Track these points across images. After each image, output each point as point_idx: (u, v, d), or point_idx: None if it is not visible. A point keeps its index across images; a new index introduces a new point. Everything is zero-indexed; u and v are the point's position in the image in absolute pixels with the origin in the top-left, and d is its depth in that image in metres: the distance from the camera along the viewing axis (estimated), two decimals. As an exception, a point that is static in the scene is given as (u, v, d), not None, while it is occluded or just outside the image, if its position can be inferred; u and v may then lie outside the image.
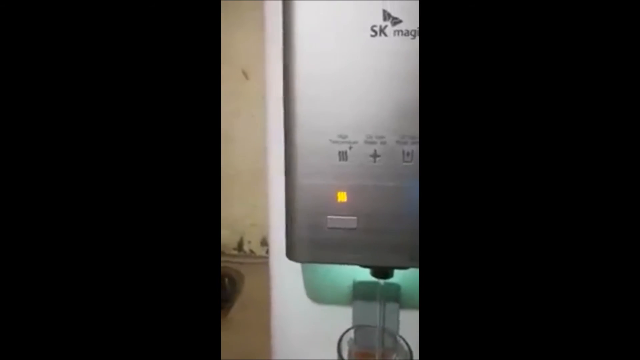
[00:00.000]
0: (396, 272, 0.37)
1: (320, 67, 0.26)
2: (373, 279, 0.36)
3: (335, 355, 0.35)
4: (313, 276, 0.38)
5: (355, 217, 0.28)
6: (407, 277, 0.38)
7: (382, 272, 0.32)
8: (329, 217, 0.28)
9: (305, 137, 0.27)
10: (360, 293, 0.37)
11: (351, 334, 0.37)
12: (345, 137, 0.27)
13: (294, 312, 0.39)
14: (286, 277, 0.38)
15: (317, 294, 0.39)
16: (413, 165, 0.27)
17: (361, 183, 0.27)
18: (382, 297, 0.36)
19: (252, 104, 0.87)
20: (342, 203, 0.28)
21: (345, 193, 0.28)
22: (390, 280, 0.36)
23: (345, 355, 0.36)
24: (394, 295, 0.37)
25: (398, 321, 0.38)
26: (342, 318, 0.39)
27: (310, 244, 0.29)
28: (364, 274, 0.37)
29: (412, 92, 0.26)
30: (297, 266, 0.38)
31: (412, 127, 0.26)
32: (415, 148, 0.26)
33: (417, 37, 0.25)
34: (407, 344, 0.35)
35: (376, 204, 0.28)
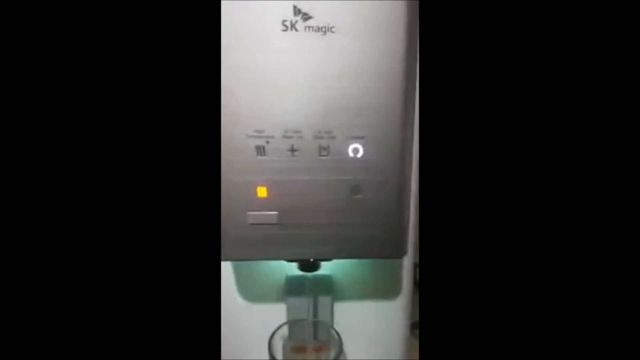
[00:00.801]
0: (328, 264, 0.37)
1: (233, 61, 0.26)
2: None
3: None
4: (245, 274, 0.38)
5: (275, 212, 0.28)
6: (338, 269, 0.38)
7: (309, 265, 0.33)
8: (249, 213, 0.28)
9: (220, 132, 0.27)
10: (292, 288, 0.38)
11: (285, 329, 0.37)
12: (262, 131, 0.27)
13: (227, 311, 0.39)
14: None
15: (251, 292, 0.39)
16: (329, 159, 0.27)
17: (280, 178, 0.27)
18: (312, 290, 0.37)
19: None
20: (262, 199, 0.28)
21: (264, 188, 0.28)
22: (322, 272, 0.37)
23: (279, 351, 0.36)
24: (327, 288, 0.38)
25: (332, 313, 0.39)
26: (277, 314, 0.39)
27: (232, 241, 0.28)
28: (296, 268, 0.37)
29: (326, 88, 0.26)
30: (228, 265, 0.37)
31: (327, 122, 0.27)
32: (330, 142, 0.27)
33: (328, 34, 0.25)
34: (338, 335, 0.36)
35: (296, 198, 0.28)
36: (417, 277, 0.50)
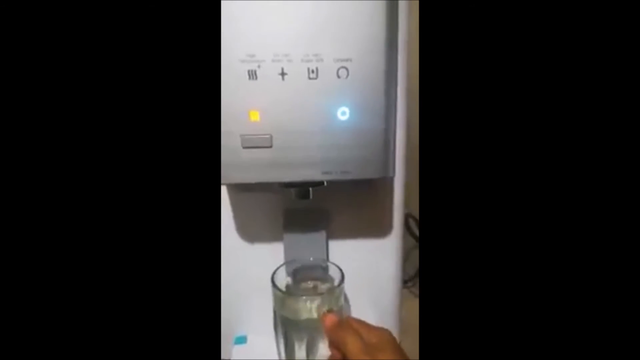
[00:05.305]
0: (323, 201, 0.39)
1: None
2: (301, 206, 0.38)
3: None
4: (244, 212, 0.40)
5: (268, 135, 0.29)
6: (334, 205, 0.40)
7: (304, 193, 0.34)
8: (242, 135, 0.29)
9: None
10: (290, 222, 0.39)
11: (285, 268, 0.38)
12: (254, 56, 0.28)
13: (227, 251, 0.40)
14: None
15: (249, 231, 0.40)
16: (318, 81, 0.29)
17: (272, 101, 0.29)
18: (309, 224, 0.38)
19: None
20: (255, 122, 0.29)
21: (257, 112, 0.29)
22: (320, 206, 0.39)
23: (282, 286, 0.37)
24: (322, 222, 0.39)
25: (327, 248, 0.40)
26: (275, 253, 0.40)
27: (226, 165, 0.30)
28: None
29: (313, 10, 0.27)
30: (226, 203, 0.39)
31: (314, 45, 0.28)
32: (318, 65, 0.28)
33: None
34: (341, 271, 0.36)
35: (288, 121, 0.29)
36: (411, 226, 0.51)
